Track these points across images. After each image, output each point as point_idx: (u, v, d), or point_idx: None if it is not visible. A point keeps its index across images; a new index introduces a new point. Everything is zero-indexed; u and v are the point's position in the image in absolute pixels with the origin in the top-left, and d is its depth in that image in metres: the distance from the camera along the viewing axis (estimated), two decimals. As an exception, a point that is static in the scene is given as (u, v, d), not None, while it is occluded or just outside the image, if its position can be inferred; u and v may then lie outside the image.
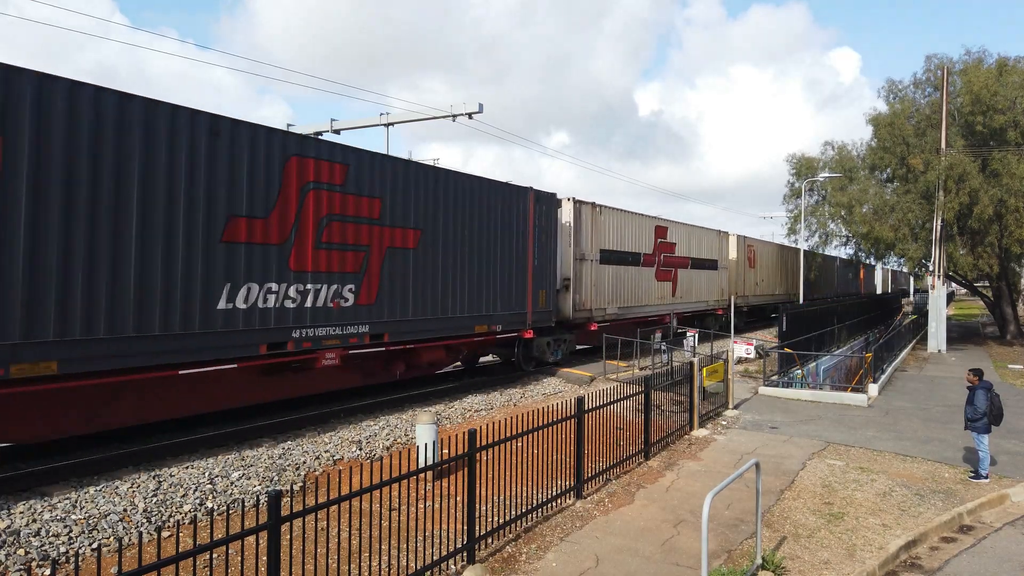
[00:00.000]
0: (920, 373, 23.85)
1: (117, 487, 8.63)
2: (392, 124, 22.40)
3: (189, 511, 8.25)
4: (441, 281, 14.76)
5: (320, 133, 21.72)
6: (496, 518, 7.98)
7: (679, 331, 27.33)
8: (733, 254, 34.43)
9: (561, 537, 8.09)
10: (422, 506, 8.52)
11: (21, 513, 7.67)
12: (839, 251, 41.46)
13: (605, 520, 8.71)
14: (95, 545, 7.20)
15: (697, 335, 24.10)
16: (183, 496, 8.59)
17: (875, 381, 19.03)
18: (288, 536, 7.17)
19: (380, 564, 6.77)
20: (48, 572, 6.69)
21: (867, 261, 42.10)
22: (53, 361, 8.36)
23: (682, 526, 8.60)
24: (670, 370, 14.10)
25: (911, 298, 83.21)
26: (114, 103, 8.99)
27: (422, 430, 9.78)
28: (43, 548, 7.03)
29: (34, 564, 6.73)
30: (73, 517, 7.71)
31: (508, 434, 8.09)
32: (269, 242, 11.06)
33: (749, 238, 36.98)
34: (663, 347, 21.21)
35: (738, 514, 9.12)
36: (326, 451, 10.83)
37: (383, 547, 7.22)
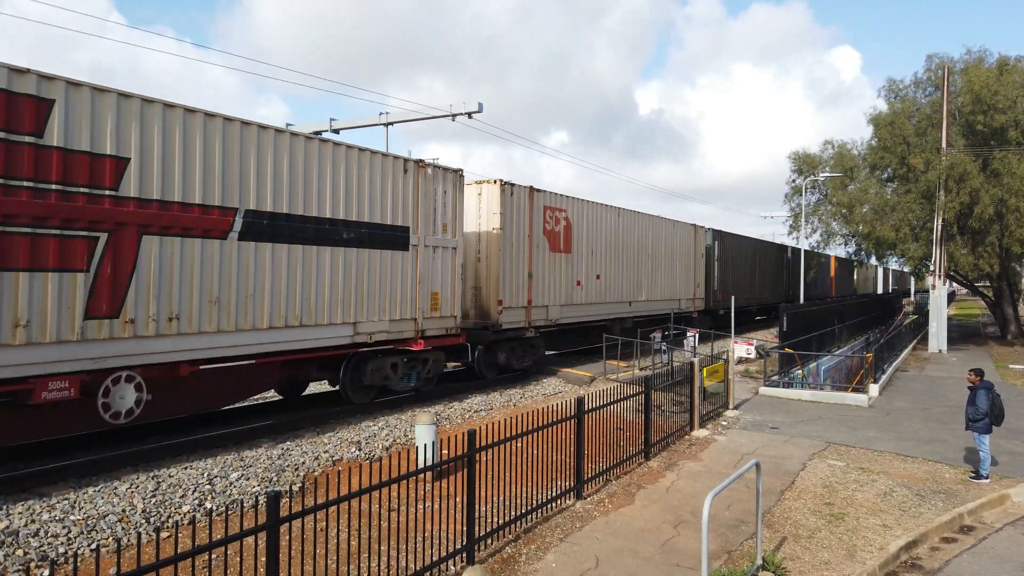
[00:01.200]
0: (921, 373, 23.81)
1: (116, 488, 8.62)
2: (392, 123, 22.39)
3: (188, 512, 8.23)
4: None
5: (319, 132, 21.70)
6: (496, 519, 7.96)
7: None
8: (492, 223, 17.20)
9: (561, 538, 8.07)
10: (421, 507, 8.50)
11: (20, 514, 7.66)
12: (840, 250, 40.50)
13: (605, 521, 8.69)
14: (94, 546, 7.19)
15: (697, 335, 24.06)
16: (182, 497, 8.57)
17: (876, 381, 19.00)
18: (287, 537, 7.16)
19: (379, 565, 6.76)
20: (47, 573, 6.67)
21: (848, 257, 40.26)
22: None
23: (682, 527, 8.58)
24: (670, 370, 14.08)
25: (912, 298, 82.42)
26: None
27: (421, 431, 9.77)
28: (42, 549, 7.02)
29: (32, 565, 6.72)
30: (72, 518, 7.70)
31: (508, 435, 8.08)
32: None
33: (553, 194, 19.46)
34: (663, 347, 21.20)
35: (738, 515, 9.10)
36: (325, 452, 10.81)
37: (382, 548, 7.20)
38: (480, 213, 17.38)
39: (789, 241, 41.93)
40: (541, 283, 18.74)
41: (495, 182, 17.23)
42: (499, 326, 17.07)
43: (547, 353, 20.60)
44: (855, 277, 64.40)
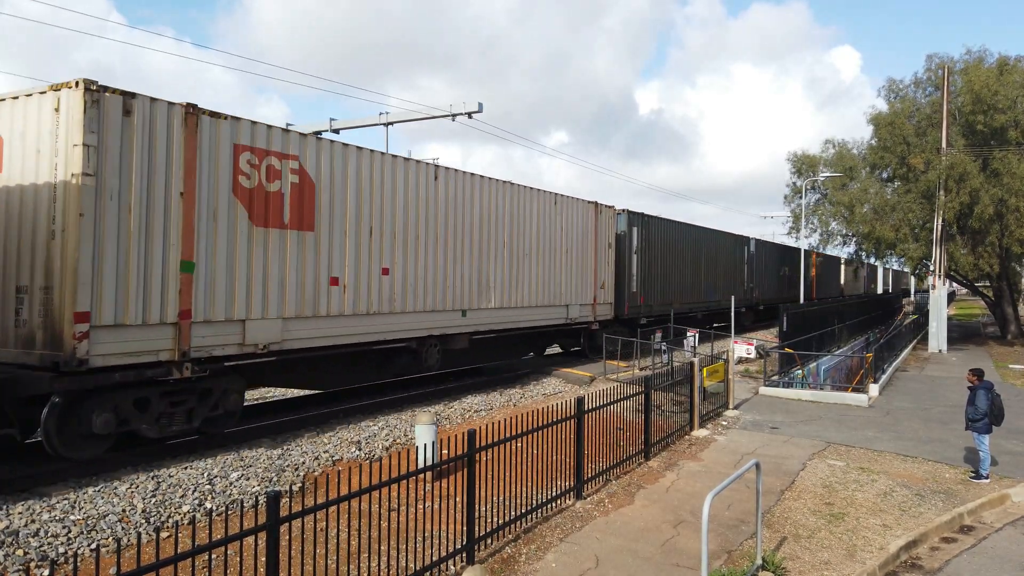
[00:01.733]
0: (921, 373, 23.81)
1: (116, 488, 8.62)
2: (392, 123, 22.41)
3: (188, 512, 8.24)
4: None
5: (320, 133, 21.70)
6: (496, 519, 7.96)
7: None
8: (73, 164, 8.84)
9: (561, 538, 8.07)
10: (421, 507, 8.50)
11: (20, 514, 7.66)
12: (839, 250, 40.42)
13: (605, 521, 8.69)
14: (94, 546, 7.19)
15: (697, 335, 24.08)
16: (182, 496, 8.58)
17: (876, 381, 19.00)
18: (287, 537, 7.15)
19: (379, 565, 6.76)
20: (47, 573, 6.67)
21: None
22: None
23: (682, 527, 8.58)
24: (670, 370, 14.08)
25: (912, 298, 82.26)
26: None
27: (421, 431, 9.77)
28: (41, 548, 7.02)
29: (32, 564, 6.71)
30: (72, 518, 7.70)
31: (508, 434, 8.07)
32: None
33: (265, 126, 11.19)
34: (663, 347, 21.20)
35: (738, 514, 9.10)
36: (325, 452, 10.81)
37: (382, 548, 7.20)
38: (57, 147, 9.09)
39: (788, 241, 41.86)
40: (225, 280, 10.62)
41: (78, 84, 8.90)
42: (81, 362, 8.73)
43: (264, 400, 14.77)
44: (842, 277, 56.51)
